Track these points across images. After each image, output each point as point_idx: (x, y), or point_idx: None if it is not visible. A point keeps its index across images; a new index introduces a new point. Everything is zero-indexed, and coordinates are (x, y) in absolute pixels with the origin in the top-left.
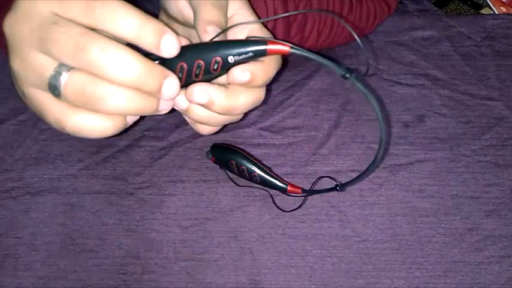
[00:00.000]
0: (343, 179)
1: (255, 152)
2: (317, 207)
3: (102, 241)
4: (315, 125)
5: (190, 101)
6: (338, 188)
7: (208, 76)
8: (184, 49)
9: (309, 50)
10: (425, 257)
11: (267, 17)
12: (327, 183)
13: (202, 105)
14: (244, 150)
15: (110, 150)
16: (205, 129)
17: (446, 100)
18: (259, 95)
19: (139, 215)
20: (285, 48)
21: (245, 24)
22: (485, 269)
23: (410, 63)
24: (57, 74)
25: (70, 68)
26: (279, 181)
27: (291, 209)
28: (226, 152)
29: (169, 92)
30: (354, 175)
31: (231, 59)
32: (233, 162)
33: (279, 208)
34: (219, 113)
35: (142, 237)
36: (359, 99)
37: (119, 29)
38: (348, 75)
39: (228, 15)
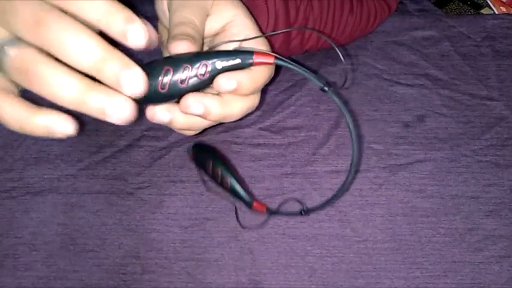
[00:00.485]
0: (343, 179)
1: (255, 152)
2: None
3: (102, 241)
4: (315, 125)
5: (185, 113)
6: (302, 213)
7: (195, 83)
8: (171, 57)
9: (293, 61)
10: (425, 257)
11: (268, 17)
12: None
13: (198, 116)
14: (225, 158)
15: (110, 150)
16: (190, 133)
17: (446, 100)
18: (253, 101)
19: (139, 215)
20: (269, 60)
21: (240, 32)
22: (485, 269)
23: (410, 63)
24: (7, 45)
25: (22, 44)
26: (247, 195)
27: (252, 225)
28: (207, 152)
29: (130, 86)
30: (354, 175)
31: (218, 65)
32: (210, 162)
33: (239, 223)
34: (214, 121)
35: (142, 237)
36: (359, 99)
37: (86, 12)
38: (326, 88)
39: (224, 23)
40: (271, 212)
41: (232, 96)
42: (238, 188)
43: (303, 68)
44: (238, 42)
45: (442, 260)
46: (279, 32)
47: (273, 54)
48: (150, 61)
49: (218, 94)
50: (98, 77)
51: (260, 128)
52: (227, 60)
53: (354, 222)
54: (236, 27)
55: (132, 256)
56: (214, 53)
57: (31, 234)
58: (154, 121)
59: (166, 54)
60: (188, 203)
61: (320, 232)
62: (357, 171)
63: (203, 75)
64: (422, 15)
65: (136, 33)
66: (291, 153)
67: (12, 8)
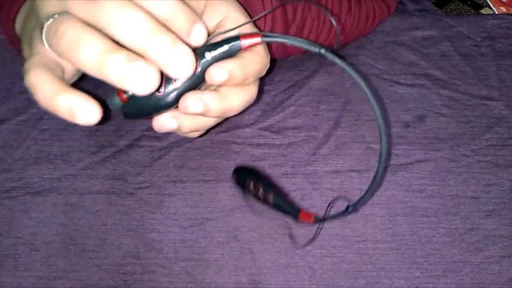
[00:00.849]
0: (343, 179)
1: (255, 152)
2: (317, 208)
3: (102, 241)
4: (315, 125)
5: (185, 113)
6: (349, 209)
7: (189, 79)
8: None
9: (282, 35)
10: (425, 257)
11: (265, 18)
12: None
13: (199, 114)
14: (265, 174)
15: (110, 150)
16: (195, 135)
17: (446, 100)
18: (251, 92)
19: (139, 215)
20: (257, 40)
21: (234, 26)
22: (485, 269)
23: (410, 63)
24: (54, 15)
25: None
26: (292, 207)
27: (305, 240)
28: (246, 172)
29: (178, 66)
30: (354, 175)
31: (208, 56)
32: (251, 182)
33: (293, 242)
34: (214, 118)
35: (142, 237)
36: (359, 99)
37: (155, 9)
38: (322, 51)
39: (218, 20)
40: (319, 220)
41: (230, 90)
42: (281, 202)
43: (294, 38)
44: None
45: (442, 260)
46: (271, 9)
47: (259, 33)
48: None
49: (215, 90)
50: (146, 55)
51: (260, 128)
52: (215, 49)
53: (354, 222)
54: (230, 24)
55: (132, 256)
56: (201, 47)
57: (31, 234)
58: (163, 130)
59: None
60: (188, 203)
61: (320, 232)
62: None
63: (195, 69)
64: (422, 15)
65: (198, 33)
66: (291, 153)
67: None
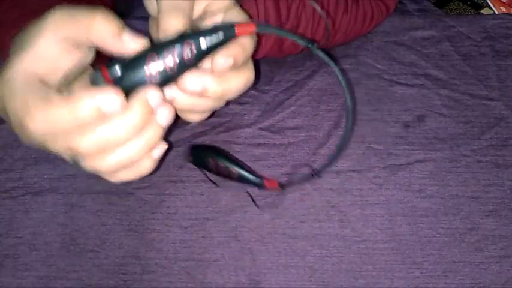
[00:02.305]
0: (343, 179)
1: (255, 151)
2: (317, 208)
3: (102, 241)
4: (315, 125)
5: (184, 91)
6: (314, 175)
7: (183, 65)
8: (153, 44)
9: (275, 26)
10: (425, 257)
11: (258, 17)
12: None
13: (196, 94)
14: (222, 149)
15: None
16: (193, 117)
17: (446, 100)
18: (249, 75)
19: (139, 215)
20: (251, 28)
21: (219, 9)
22: (485, 269)
23: (410, 63)
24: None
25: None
26: (256, 177)
27: (272, 207)
28: (204, 151)
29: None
30: (354, 175)
31: (202, 42)
32: (210, 159)
33: (257, 205)
34: (212, 99)
35: (142, 237)
36: (359, 99)
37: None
38: (309, 45)
39: (204, 5)
40: (284, 185)
41: (229, 72)
42: (245, 173)
43: (285, 30)
44: (220, 17)
45: (442, 260)
46: None
47: (253, 22)
48: (135, 55)
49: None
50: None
51: (260, 128)
52: (210, 37)
53: (354, 222)
54: (215, 5)
55: (132, 256)
56: (196, 32)
57: (31, 234)
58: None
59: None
60: (188, 203)
61: (320, 232)
62: (353, 125)
63: (189, 56)
64: (422, 15)
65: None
66: (291, 153)
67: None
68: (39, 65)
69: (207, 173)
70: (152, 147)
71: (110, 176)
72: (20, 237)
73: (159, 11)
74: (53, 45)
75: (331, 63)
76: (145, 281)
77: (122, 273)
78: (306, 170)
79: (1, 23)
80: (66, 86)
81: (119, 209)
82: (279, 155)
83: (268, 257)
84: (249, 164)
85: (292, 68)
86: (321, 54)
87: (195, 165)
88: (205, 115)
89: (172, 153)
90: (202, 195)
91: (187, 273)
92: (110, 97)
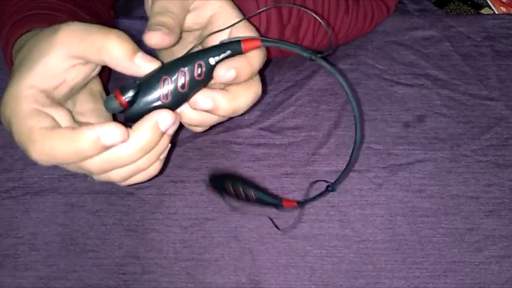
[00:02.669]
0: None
1: (255, 151)
2: (317, 208)
3: (102, 241)
4: (315, 125)
5: (195, 109)
6: (329, 189)
7: (194, 84)
8: (164, 65)
9: (279, 39)
10: (425, 257)
11: (259, 19)
12: (321, 186)
13: (207, 111)
14: (240, 174)
15: None
16: (199, 130)
17: (446, 100)
18: (257, 90)
19: (139, 215)
20: (256, 43)
21: (226, 22)
22: (485, 269)
23: (410, 63)
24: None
25: None
26: (274, 198)
27: (289, 221)
28: (222, 178)
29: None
30: (354, 175)
31: (212, 61)
32: (229, 185)
33: (278, 228)
34: (223, 116)
35: (142, 237)
36: (359, 100)
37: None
38: (313, 58)
39: (209, 14)
40: (302, 203)
41: (238, 89)
42: (263, 196)
43: (289, 43)
44: (228, 32)
45: (442, 260)
46: (264, 9)
47: (258, 37)
48: (147, 74)
49: (225, 89)
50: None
51: (260, 128)
52: (219, 55)
53: (354, 222)
54: (222, 18)
55: (132, 256)
56: (205, 51)
57: (31, 234)
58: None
59: (162, 56)
60: (188, 203)
61: (320, 232)
62: (363, 138)
63: (200, 75)
64: (422, 15)
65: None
66: (291, 153)
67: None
68: (47, 81)
69: (228, 198)
70: (160, 155)
71: (121, 183)
72: (20, 237)
73: (150, 13)
74: (62, 61)
75: (336, 74)
76: (145, 281)
77: (122, 273)
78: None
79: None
80: (71, 97)
81: (118, 209)
82: (279, 155)
83: (268, 257)
84: (249, 164)
85: (292, 68)
86: (326, 65)
87: (216, 192)
88: (208, 127)
89: (172, 153)
90: (202, 195)
91: (187, 273)
92: (110, 130)
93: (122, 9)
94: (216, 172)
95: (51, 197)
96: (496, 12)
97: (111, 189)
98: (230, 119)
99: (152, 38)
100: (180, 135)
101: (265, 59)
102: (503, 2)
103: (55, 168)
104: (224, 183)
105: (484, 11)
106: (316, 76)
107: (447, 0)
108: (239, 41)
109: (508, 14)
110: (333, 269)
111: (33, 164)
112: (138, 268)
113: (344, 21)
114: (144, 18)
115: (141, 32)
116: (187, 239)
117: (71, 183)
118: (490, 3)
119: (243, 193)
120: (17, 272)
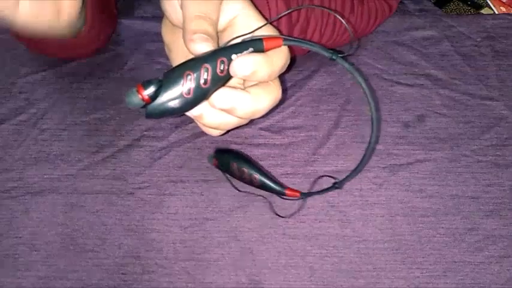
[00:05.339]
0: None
1: (255, 152)
2: (317, 207)
3: (102, 241)
4: (315, 125)
5: (214, 107)
6: (336, 186)
7: (216, 81)
8: (188, 61)
9: (300, 39)
10: (425, 257)
11: (270, 17)
12: (325, 182)
13: (225, 111)
14: (246, 155)
15: (110, 150)
16: (215, 133)
17: (446, 100)
18: (277, 94)
19: (139, 215)
20: (278, 42)
21: (246, 24)
22: (485, 269)
23: (410, 63)
24: None
25: None
26: (278, 185)
27: (290, 212)
28: (228, 155)
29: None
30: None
31: (234, 57)
32: (234, 164)
33: (276, 214)
34: (243, 117)
35: (142, 237)
36: (359, 99)
37: None
38: (334, 57)
39: (231, 16)
40: (305, 195)
41: (259, 90)
42: (267, 181)
43: (310, 42)
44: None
45: (442, 260)
46: (284, 13)
47: (280, 36)
48: (170, 69)
49: (246, 90)
50: None
51: (260, 128)
52: (241, 52)
53: (354, 222)
54: (242, 21)
55: (132, 256)
56: (228, 48)
57: (31, 234)
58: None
59: (170, 54)
60: (188, 203)
61: (320, 232)
62: (378, 138)
63: (222, 71)
64: (422, 15)
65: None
66: (291, 153)
67: None
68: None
69: (230, 177)
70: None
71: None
72: (20, 237)
73: (185, 15)
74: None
75: (356, 74)
76: (145, 281)
77: (122, 273)
78: (329, 180)
79: None
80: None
81: (118, 209)
82: (279, 155)
83: (268, 257)
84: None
85: (292, 68)
86: (346, 65)
87: (219, 168)
88: (225, 130)
89: (172, 153)
90: (202, 195)
91: (187, 273)
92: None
93: (123, 9)
94: (222, 148)
95: (51, 197)
96: (496, 12)
97: (111, 189)
98: (249, 123)
99: (197, 48)
100: (180, 135)
101: (288, 61)
102: (503, 2)
103: (55, 168)
104: (229, 161)
105: (484, 11)
106: (316, 76)
107: (447, 0)
108: (261, 39)
109: (508, 14)
110: (333, 269)
111: (33, 164)
112: (138, 268)
113: (349, 20)
114: (145, 18)
115: (142, 32)
116: (187, 239)
117: (71, 183)
118: (490, 3)
119: (247, 175)
120: (17, 272)
